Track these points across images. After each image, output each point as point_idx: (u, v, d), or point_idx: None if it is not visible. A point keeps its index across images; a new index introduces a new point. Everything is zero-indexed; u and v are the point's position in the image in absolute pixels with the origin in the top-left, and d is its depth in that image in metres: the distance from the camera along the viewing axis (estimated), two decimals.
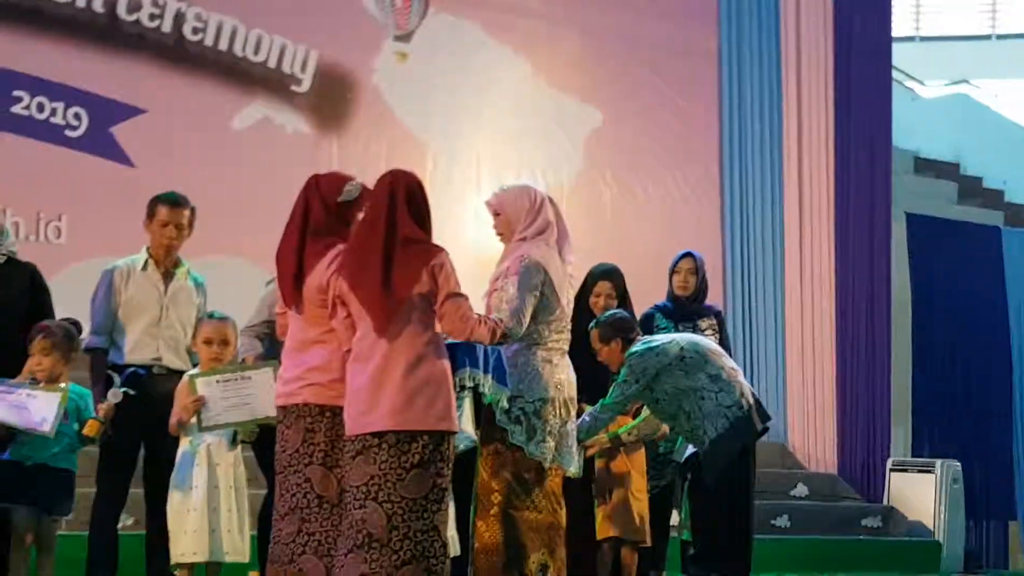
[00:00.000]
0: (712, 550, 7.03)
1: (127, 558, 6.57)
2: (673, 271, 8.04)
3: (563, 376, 6.10)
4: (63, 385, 6.09)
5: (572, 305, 6.25)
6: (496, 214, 6.33)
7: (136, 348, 6.61)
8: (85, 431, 6.00)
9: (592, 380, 6.87)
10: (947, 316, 13.65)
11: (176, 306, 6.70)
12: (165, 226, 6.67)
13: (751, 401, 6.98)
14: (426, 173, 11.56)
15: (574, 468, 6.15)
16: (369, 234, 5.38)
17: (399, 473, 5.23)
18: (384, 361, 5.28)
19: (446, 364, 5.41)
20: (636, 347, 7.00)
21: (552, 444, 6.03)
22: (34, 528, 6.05)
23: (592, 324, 7.10)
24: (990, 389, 13.81)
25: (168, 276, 6.73)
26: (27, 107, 10.16)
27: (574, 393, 6.15)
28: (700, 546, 7.12)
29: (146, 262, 6.72)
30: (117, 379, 6.18)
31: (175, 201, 6.73)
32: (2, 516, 6.07)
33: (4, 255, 6.54)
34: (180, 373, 6.36)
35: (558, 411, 6.05)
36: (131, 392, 6.19)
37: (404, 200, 5.41)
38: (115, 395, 6.05)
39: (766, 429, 7.15)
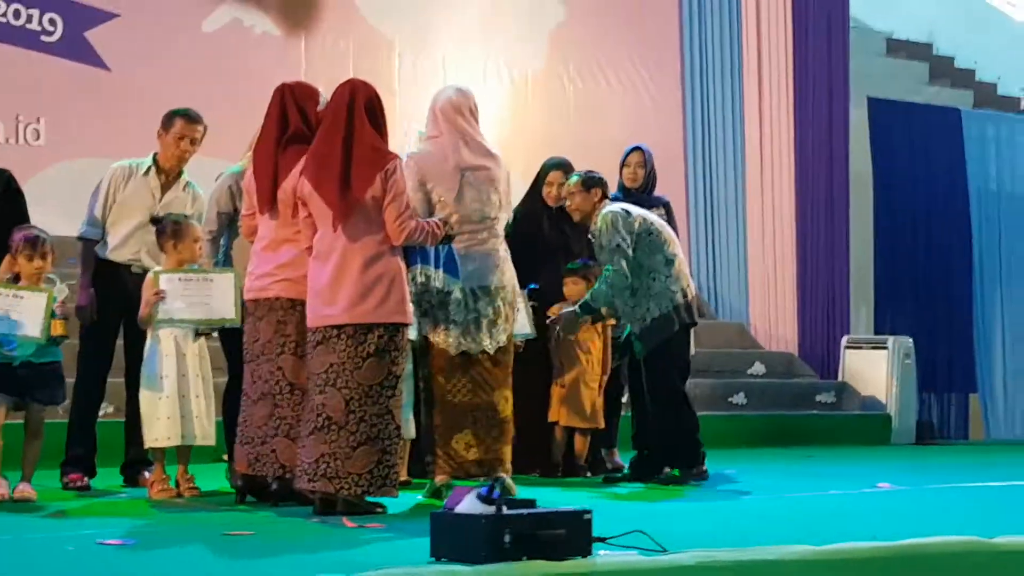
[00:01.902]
0: (661, 447, 7.37)
1: (106, 444, 6.93)
2: (623, 164, 8.37)
3: (471, 267, 6.45)
4: (48, 287, 6.23)
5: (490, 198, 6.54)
6: None
7: (119, 247, 6.87)
8: (54, 332, 6.13)
9: (529, 270, 7.28)
10: (908, 198, 13.87)
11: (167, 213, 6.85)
12: (180, 139, 6.88)
13: (693, 294, 7.41)
14: (393, 71, 11.83)
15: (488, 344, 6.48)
16: (330, 139, 5.80)
17: (356, 362, 5.68)
18: (342, 259, 5.72)
19: (400, 262, 5.85)
20: (614, 208, 7.33)
21: (456, 332, 6.39)
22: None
23: (575, 175, 7.45)
24: (951, 269, 14.07)
25: (167, 186, 6.94)
26: (3, 14, 10.38)
27: (486, 283, 6.48)
28: (644, 443, 7.45)
29: (149, 168, 6.93)
30: (55, 277, 6.39)
31: (191, 117, 6.93)
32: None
33: None
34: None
35: (465, 300, 6.42)
36: (88, 282, 6.49)
37: (363, 108, 5.82)
38: (60, 291, 6.24)
39: (695, 323, 7.50)
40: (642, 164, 8.25)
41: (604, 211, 7.31)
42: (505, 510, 4.08)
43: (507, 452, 6.50)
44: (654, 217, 7.51)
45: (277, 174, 5.99)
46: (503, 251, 6.56)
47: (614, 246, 7.20)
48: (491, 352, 6.45)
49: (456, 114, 6.49)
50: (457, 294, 6.37)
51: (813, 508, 6.22)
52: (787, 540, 4.57)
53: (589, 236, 7.51)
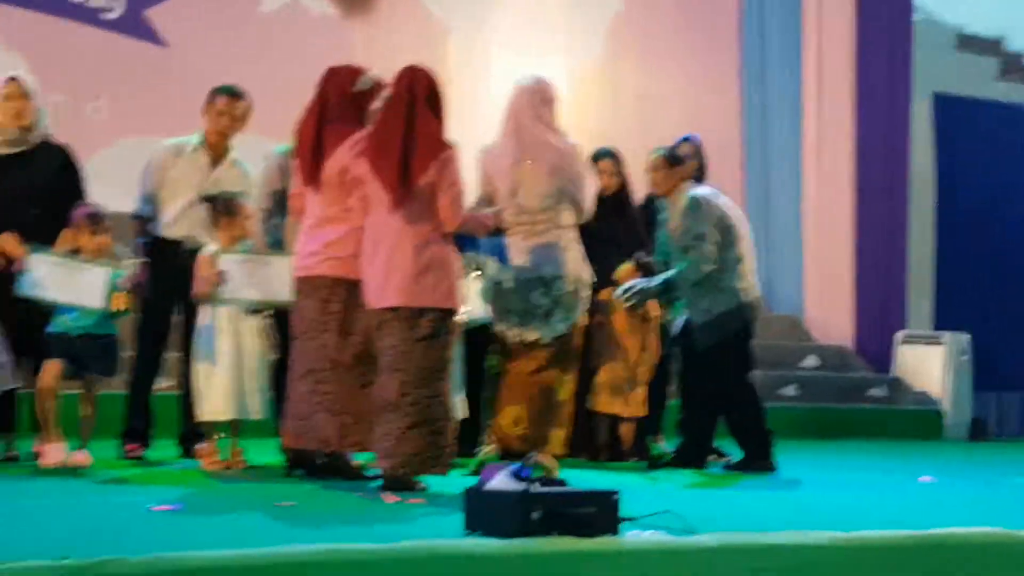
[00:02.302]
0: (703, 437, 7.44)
1: (163, 417, 7.15)
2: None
3: (526, 258, 6.69)
4: (110, 260, 6.43)
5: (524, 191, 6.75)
6: None
7: (172, 224, 7.09)
8: (115, 306, 6.36)
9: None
10: (972, 194, 13.82)
11: (217, 190, 7.06)
12: (221, 115, 7.10)
13: (757, 295, 7.46)
14: (448, 57, 11.95)
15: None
16: (390, 124, 5.95)
17: (409, 345, 5.85)
18: (395, 243, 5.88)
19: (451, 249, 6.00)
20: (704, 193, 7.36)
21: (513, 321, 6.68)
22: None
23: (658, 150, 7.45)
24: (1014, 265, 14.03)
25: (215, 162, 7.15)
26: None
27: (541, 272, 6.71)
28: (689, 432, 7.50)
29: (198, 146, 7.14)
30: (125, 252, 6.60)
31: (234, 93, 7.14)
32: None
33: (40, 138, 6.83)
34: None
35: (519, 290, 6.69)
36: (146, 260, 6.61)
37: (424, 96, 5.96)
38: (127, 266, 6.43)
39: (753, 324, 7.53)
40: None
41: (693, 193, 7.33)
42: (535, 488, 4.20)
43: (557, 435, 6.69)
44: (736, 211, 7.53)
45: (320, 152, 6.12)
46: (564, 241, 6.70)
47: (699, 233, 7.24)
48: (546, 342, 6.61)
49: (523, 105, 6.73)
50: (510, 283, 6.52)
51: (847, 498, 6.28)
52: (814, 527, 4.62)
53: (661, 215, 7.51)
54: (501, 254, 6.69)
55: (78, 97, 10.64)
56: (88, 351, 6.42)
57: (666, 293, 7.42)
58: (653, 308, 7.71)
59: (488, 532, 4.14)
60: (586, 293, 6.88)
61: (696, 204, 7.28)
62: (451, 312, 5.93)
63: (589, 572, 3.99)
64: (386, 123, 5.97)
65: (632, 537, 4.27)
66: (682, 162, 7.42)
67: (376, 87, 6.26)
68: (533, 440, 6.59)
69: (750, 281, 7.41)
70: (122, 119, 10.39)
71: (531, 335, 6.68)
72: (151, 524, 4.48)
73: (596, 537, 4.16)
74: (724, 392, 7.40)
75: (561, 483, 4.46)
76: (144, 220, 7.11)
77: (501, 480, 4.29)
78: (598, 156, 8.04)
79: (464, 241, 6.43)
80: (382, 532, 4.26)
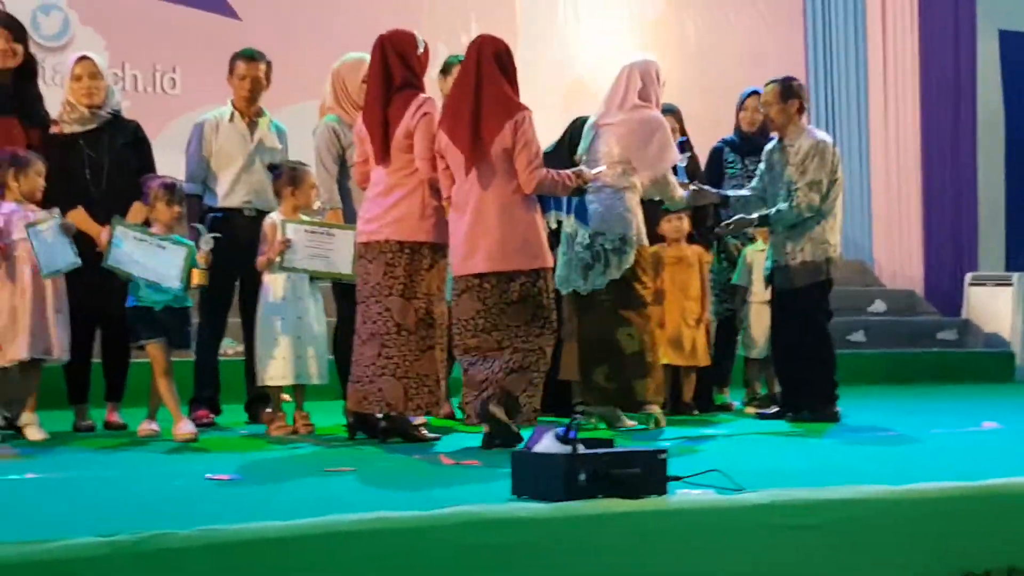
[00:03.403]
0: (801, 392, 7.43)
1: (228, 380, 7.31)
2: (740, 108, 8.41)
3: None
4: (189, 243, 6.49)
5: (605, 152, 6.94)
6: None
7: (229, 194, 7.23)
8: (194, 282, 6.45)
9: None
10: None
11: (261, 153, 7.28)
12: (243, 79, 7.26)
13: (839, 252, 7.47)
14: (515, 12, 11.94)
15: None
16: (462, 92, 6.07)
17: (502, 307, 5.99)
18: (478, 208, 5.98)
19: (535, 209, 6.09)
20: (827, 139, 7.38)
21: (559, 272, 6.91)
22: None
23: (771, 82, 7.49)
24: None
25: (252, 126, 7.31)
26: None
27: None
28: (787, 382, 7.52)
29: (232, 114, 7.30)
30: (203, 228, 6.67)
31: (251, 56, 7.31)
32: (139, 348, 6.61)
33: (112, 112, 6.96)
34: (267, 213, 6.86)
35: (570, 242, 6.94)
36: (219, 235, 6.71)
37: (492, 59, 6.03)
38: (207, 242, 6.53)
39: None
40: (759, 108, 8.15)
41: (819, 138, 7.35)
42: (581, 450, 4.24)
43: (641, 385, 6.83)
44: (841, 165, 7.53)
45: (388, 123, 6.18)
46: (617, 201, 6.80)
47: (816, 179, 7.27)
48: (584, 293, 6.81)
49: (616, 81, 6.97)
50: (584, 239, 6.68)
51: (906, 449, 6.27)
52: (870, 479, 4.63)
53: (780, 147, 7.47)
54: (582, 214, 6.78)
55: (153, 70, 10.74)
56: (170, 324, 6.52)
57: (765, 225, 7.48)
58: (701, 255, 7.73)
59: (535, 496, 4.20)
60: (630, 250, 6.88)
61: (823, 150, 7.31)
62: (542, 271, 6.03)
63: (636, 533, 4.03)
64: (458, 93, 6.09)
65: (680, 496, 4.31)
66: (797, 95, 7.39)
67: (426, 48, 6.32)
68: (620, 394, 6.79)
69: (838, 238, 7.44)
70: (196, 92, 10.48)
71: (566, 286, 6.86)
72: (205, 495, 4.58)
73: (642, 498, 4.19)
74: (817, 335, 7.35)
75: (608, 443, 4.50)
76: (198, 198, 7.22)
77: (547, 443, 4.34)
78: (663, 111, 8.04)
79: (549, 201, 6.53)
80: (433, 497, 4.33)
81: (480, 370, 6.01)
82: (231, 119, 7.30)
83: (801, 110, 7.39)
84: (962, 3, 13.48)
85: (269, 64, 7.36)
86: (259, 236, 6.76)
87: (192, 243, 6.51)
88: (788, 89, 7.37)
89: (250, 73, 7.27)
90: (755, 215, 7.44)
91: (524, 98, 6.12)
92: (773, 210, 7.36)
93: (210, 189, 7.30)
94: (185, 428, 6.36)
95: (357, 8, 11.14)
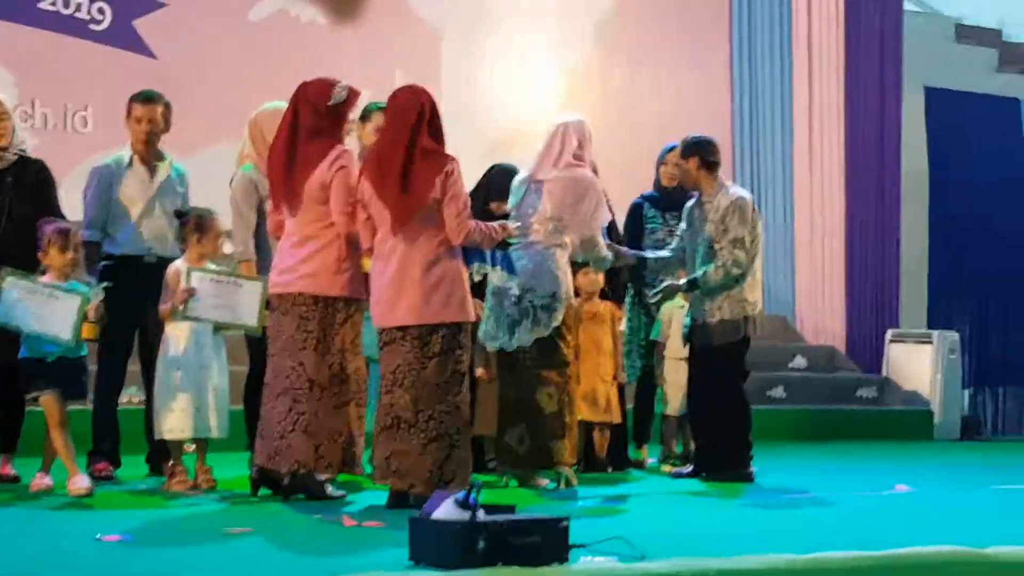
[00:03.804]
0: (716, 451, 7.35)
1: (132, 429, 7.09)
2: (661, 163, 8.34)
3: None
4: (82, 290, 6.30)
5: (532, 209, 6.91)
6: None
7: (130, 240, 7.05)
8: (83, 335, 6.24)
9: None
10: (965, 190, 13.77)
11: (162, 198, 7.10)
12: (140, 122, 7.10)
13: (760, 309, 7.44)
14: (439, 62, 11.90)
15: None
16: (393, 145, 5.95)
17: (422, 362, 5.88)
18: (402, 261, 5.89)
19: (459, 261, 6.00)
20: (747, 196, 7.36)
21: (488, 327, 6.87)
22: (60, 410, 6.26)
23: (676, 145, 7.57)
24: (1009, 262, 13.96)
25: (152, 170, 7.14)
26: (53, 3, 10.62)
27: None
28: (704, 447, 7.44)
29: (131, 158, 7.12)
30: (93, 281, 6.49)
31: (148, 97, 7.15)
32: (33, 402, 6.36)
33: (16, 154, 6.80)
34: (169, 260, 6.69)
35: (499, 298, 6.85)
36: (110, 284, 6.52)
37: (422, 114, 5.94)
38: (97, 295, 6.33)
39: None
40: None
41: (738, 194, 7.33)
42: (480, 516, 4.13)
43: (557, 446, 6.76)
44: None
45: (293, 170, 6.06)
46: (548, 258, 6.78)
47: (739, 236, 7.24)
48: (510, 351, 6.73)
49: (550, 138, 6.95)
50: (515, 292, 6.64)
51: (816, 512, 6.22)
52: (775, 547, 4.57)
53: (699, 204, 7.45)
54: (508, 265, 6.70)
55: (64, 109, 10.59)
56: (64, 375, 6.33)
57: (693, 289, 7.41)
58: (614, 311, 7.70)
59: (433, 563, 4.08)
60: (560, 307, 6.81)
61: (742, 206, 7.29)
62: (463, 325, 5.95)
63: None
64: (388, 145, 5.98)
65: (582, 565, 4.21)
66: (697, 152, 7.38)
67: (352, 95, 6.22)
68: (536, 455, 6.72)
69: (758, 295, 7.39)
70: (109, 131, 10.33)
71: (492, 344, 6.78)
72: (93, 559, 4.40)
73: (543, 566, 4.09)
74: (732, 394, 7.32)
75: (509, 509, 4.39)
76: (96, 245, 7.05)
77: (446, 508, 4.22)
78: None
79: (473, 253, 6.46)
80: (329, 564, 4.20)
81: (390, 438, 5.88)
82: (130, 164, 7.13)
83: (709, 167, 7.35)
84: (888, 59, 13.60)
85: (168, 105, 7.20)
86: (161, 283, 6.57)
87: (88, 289, 6.34)
88: (687, 148, 7.40)
89: (147, 115, 7.11)
90: (683, 281, 7.40)
91: (449, 147, 6.05)
92: (699, 272, 7.32)
93: (109, 235, 7.11)
94: (80, 483, 6.14)
95: (278, 49, 11.09)
